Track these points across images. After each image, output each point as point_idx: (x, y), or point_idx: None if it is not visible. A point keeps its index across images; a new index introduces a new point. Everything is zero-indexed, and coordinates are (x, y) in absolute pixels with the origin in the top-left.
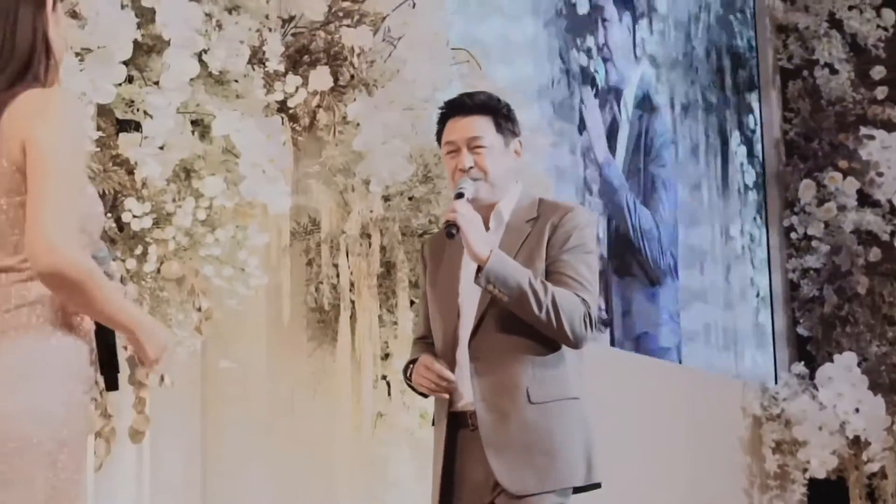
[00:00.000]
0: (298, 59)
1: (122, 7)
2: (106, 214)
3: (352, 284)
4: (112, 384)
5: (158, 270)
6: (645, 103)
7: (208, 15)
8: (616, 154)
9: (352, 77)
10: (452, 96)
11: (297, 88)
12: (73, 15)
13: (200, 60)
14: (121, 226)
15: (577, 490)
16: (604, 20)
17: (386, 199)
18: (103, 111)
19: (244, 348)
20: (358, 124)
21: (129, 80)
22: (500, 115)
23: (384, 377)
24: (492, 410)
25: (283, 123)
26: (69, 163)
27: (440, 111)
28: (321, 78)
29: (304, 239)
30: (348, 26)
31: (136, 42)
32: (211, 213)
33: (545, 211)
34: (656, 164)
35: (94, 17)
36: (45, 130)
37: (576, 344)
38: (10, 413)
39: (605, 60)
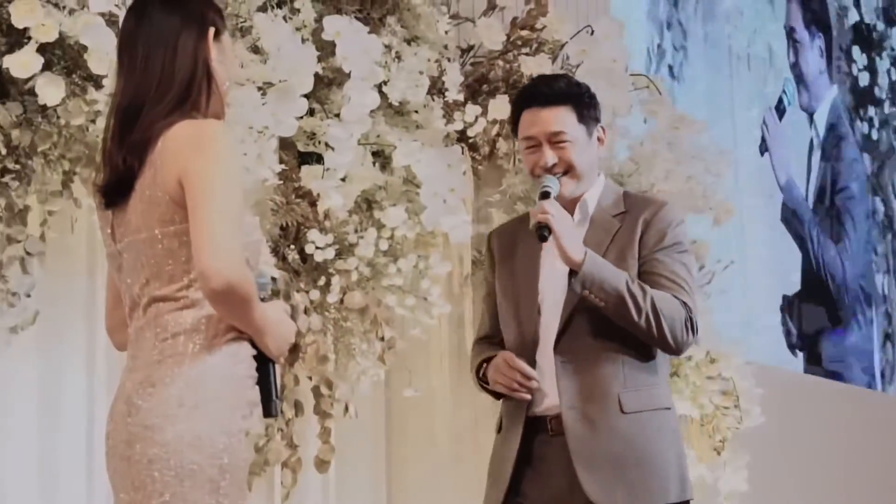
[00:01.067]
0: (478, 89)
1: (303, 41)
2: (289, 246)
3: None
4: (269, 411)
5: (342, 301)
6: (834, 132)
7: (388, 47)
8: (809, 178)
9: None
10: (630, 119)
11: (476, 118)
12: (255, 50)
13: (380, 92)
14: (304, 257)
15: None
16: (795, 41)
17: None
18: (285, 144)
19: (428, 377)
20: None
21: (311, 112)
22: (582, 103)
23: None
24: (581, 419)
25: (462, 153)
26: (230, 191)
27: (516, 100)
28: (500, 107)
29: (485, 267)
30: (527, 55)
31: (316, 75)
32: (393, 244)
33: (634, 205)
34: (843, 196)
35: (276, 51)
36: (204, 162)
37: (677, 350)
38: (170, 441)
39: (796, 81)
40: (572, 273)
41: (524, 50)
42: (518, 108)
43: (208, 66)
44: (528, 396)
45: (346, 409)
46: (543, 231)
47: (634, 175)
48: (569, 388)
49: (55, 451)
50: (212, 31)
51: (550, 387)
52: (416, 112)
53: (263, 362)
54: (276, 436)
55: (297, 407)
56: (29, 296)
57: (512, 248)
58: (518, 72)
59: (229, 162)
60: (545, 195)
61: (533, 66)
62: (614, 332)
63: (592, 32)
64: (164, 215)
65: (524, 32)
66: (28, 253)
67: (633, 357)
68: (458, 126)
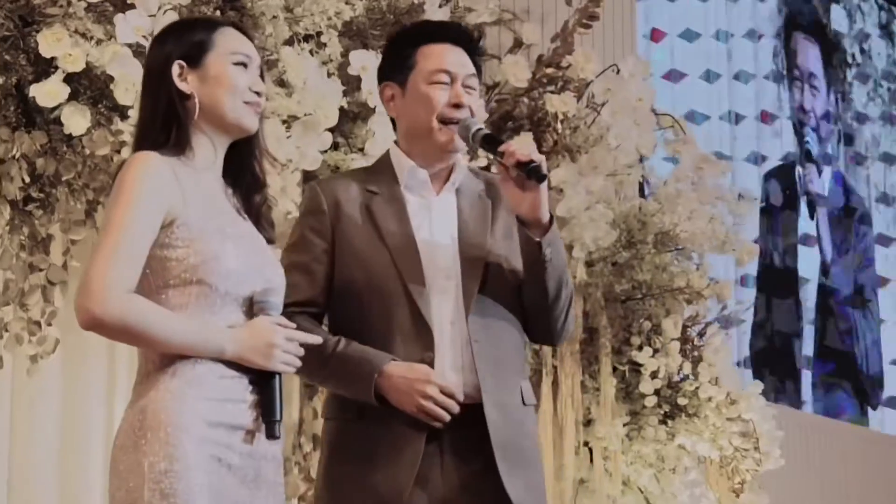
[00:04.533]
0: (502, 126)
1: (329, 75)
2: None
3: (553, 350)
4: (270, 432)
5: None
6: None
7: None
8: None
9: (555, 143)
10: (651, 156)
11: None
12: (281, 83)
13: None
14: None
15: None
16: (813, 87)
17: (589, 264)
18: (309, 178)
19: None
20: (561, 190)
21: (335, 146)
22: (481, 59)
23: (586, 443)
24: (498, 408)
25: None
26: (119, 223)
27: (411, 32)
28: (525, 144)
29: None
30: (552, 92)
31: (341, 109)
32: None
33: (490, 186)
34: (863, 266)
35: (301, 85)
36: (111, 199)
37: (561, 339)
38: (122, 471)
39: (810, 127)
40: (523, 225)
41: (549, 88)
42: (415, 40)
43: (174, 102)
44: (439, 425)
45: None
46: (542, 171)
47: (658, 214)
48: (483, 374)
49: (77, 479)
50: (176, 67)
51: (450, 371)
52: None
53: (265, 381)
54: (294, 469)
55: (316, 441)
56: (50, 324)
57: (359, 206)
58: (543, 109)
59: (130, 194)
60: (491, 136)
61: (558, 103)
62: (515, 312)
63: (618, 71)
64: None
65: (550, 70)
66: (50, 282)
67: (523, 344)
68: (482, 162)
